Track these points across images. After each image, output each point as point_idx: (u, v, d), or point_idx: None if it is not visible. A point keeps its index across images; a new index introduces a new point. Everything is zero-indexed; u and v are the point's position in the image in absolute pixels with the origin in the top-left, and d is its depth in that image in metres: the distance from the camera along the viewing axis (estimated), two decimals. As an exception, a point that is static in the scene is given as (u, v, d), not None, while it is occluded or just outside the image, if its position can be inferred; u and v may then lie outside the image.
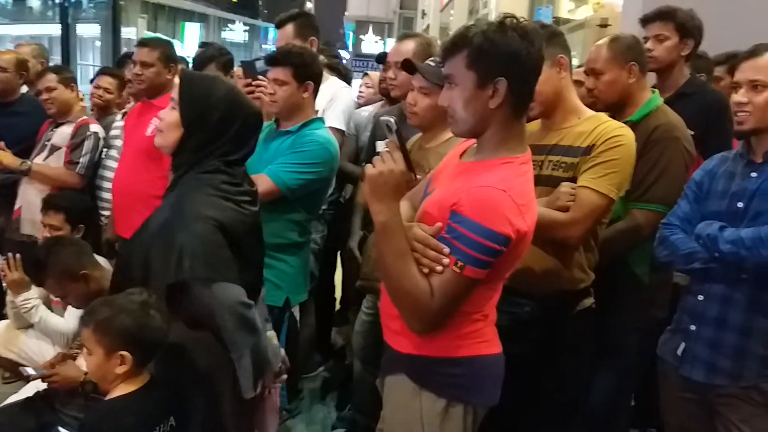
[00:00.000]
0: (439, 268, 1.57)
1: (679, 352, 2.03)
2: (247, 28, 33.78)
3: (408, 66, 2.42)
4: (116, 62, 4.53)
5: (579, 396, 2.32)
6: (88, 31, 16.25)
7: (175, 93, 1.91)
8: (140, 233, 1.91)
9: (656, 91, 2.60)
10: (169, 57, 3.24)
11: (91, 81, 4.16)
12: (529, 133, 1.83)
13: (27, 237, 3.52)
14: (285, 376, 2.17)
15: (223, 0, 30.87)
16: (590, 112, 2.18)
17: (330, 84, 3.38)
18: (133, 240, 1.96)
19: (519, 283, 1.93)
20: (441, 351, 1.70)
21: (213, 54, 3.72)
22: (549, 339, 2.09)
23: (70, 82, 3.63)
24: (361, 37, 23.32)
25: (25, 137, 3.66)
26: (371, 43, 22.70)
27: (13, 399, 2.58)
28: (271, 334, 2.10)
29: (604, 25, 5.83)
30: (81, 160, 3.49)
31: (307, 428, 3.35)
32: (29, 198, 3.52)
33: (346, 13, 25.00)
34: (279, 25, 3.46)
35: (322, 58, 3.27)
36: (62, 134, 3.56)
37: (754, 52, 1.94)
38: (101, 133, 3.59)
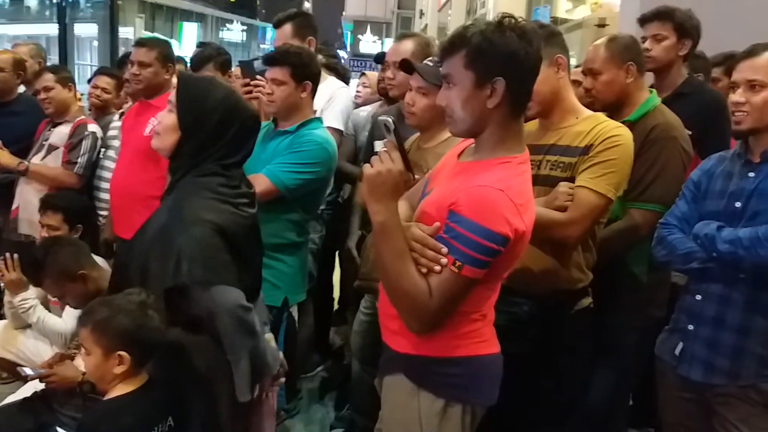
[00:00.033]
0: (437, 267, 1.57)
1: (677, 351, 2.03)
2: (245, 27, 33.79)
3: (406, 66, 2.42)
4: (117, 62, 4.52)
5: (577, 395, 2.32)
6: (86, 30, 16.23)
7: (172, 96, 1.91)
8: (138, 237, 1.90)
9: (654, 90, 2.61)
10: (166, 57, 3.24)
11: (89, 81, 4.16)
12: (527, 132, 1.83)
13: (25, 237, 3.53)
14: (283, 380, 2.17)
15: (220, 0, 30.87)
16: (588, 112, 2.18)
17: (328, 84, 3.38)
18: (130, 244, 1.96)
19: (517, 283, 1.93)
20: (439, 351, 1.70)
21: (211, 54, 3.71)
22: (547, 339, 2.10)
23: (67, 81, 3.63)
24: (359, 37, 23.36)
25: (22, 137, 3.66)
26: (369, 43, 22.74)
27: (11, 399, 2.57)
28: (269, 336, 2.10)
29: (601, 25, 5.84)
30: (79, 160, 3.49)
31: (306, 428, 3.35)
32: (27, 198, 3.52)
33: (344, 13, 25.00)
34: (277, 25, 3.46)
35: (320, 57, 3.27)
36: (60, 134, 3.56)
37: (752, 52, 1.94)
38: (99, 133, 3.59)
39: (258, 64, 2.85)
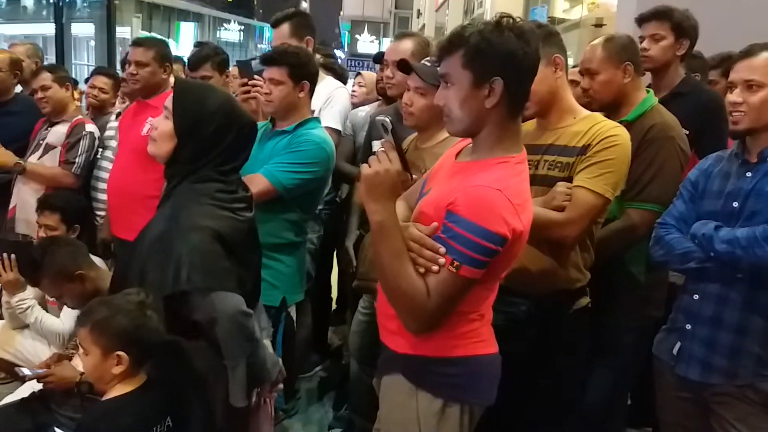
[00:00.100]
0: (435, 267, 1.58)
1: (675, 351, 2.04)
2: (242, 27, 33.76)
3: (404, 66, 2.42)
4: (121, 63, 4.52)
5: (575, 395, 2.33)
6: (83, 30, 16.19)
7: (168, 102, 1.89)
8: (136, 245, 1.89)
9: (651, 90, 2.61)
10: (164, 56, 3.23)
11: (86, 81, 4.15)
12: (524, 132, 1.83)
13: (22, 237, 3.52)
14: (281, 386, 2.16)
15: (218, 0, 30.86)
16: (586, 112, 2.19)
17: (326, 84, 3.38)
18: (129, 252, 1.95)
19: (515, 283, 1.93)
20: (437, 351, 1.70)
21: (208, 53, 3.71)
22: (545, 338, 2.10)
23: (64, 81, 3.63)
24: (357, 36, 23.36)
25: (19, 137, 3.65)
26: (367, 43, 22.75)
27: (9, 399, 2.58)
28: (266, 342, 2.10)
29: (599, 25, 5.85)
30: (77, 159, 3.49)
31: (304, 428, 3.34)
32: (24, 197, 3.51)
33: (341, 13, 25.01)
34: (275, 25, 3.46)
35: (318, 57, 3.27)
36: (57, 133, 3.55)
37: (749, 52, 1.94)
38: (97, 132, 3.59)
39: (256, 64, 2.84)
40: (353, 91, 4.27)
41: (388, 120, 1.64)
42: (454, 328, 1.68)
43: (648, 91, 2.57)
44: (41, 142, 3.58)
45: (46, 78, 3.56)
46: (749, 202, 1.90)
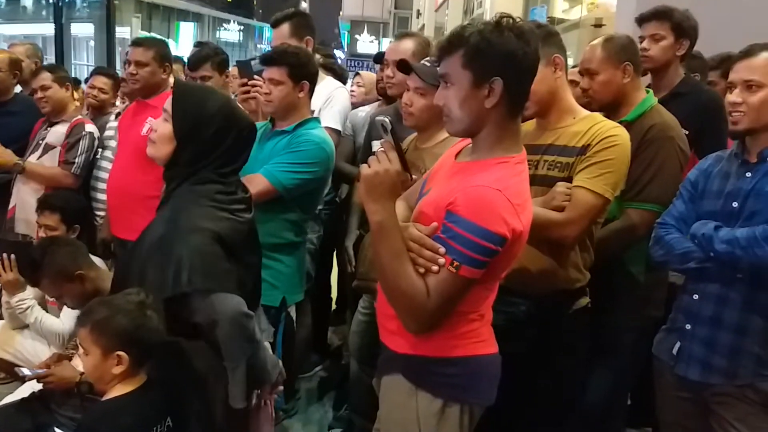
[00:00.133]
0: (435, 267, 1.58)
1: (675, 351, 2.04)
2: (242, 27, 33.76)
3: (403, 66, 2.42)
4: (123, 63, 4.52)
5: (575, 395, 2.33)
6: (82, 30, 16.19)
7: (168, 105, 1.89)
8: (136, 247, 1.89)
9: (650, 90, 2.61)
10: (164, 56, 3.23)
11: (86, 81, 4.15)
12: (524, 132, 1.83)
13: (22, 237, 3.52)
14: (281, 388, 2.16)
15: (217, 0, 30.86)
16: (585, 112, 2.19)
17: (326, 84, 3.38)
18: (129, 254, 1.95)
19: (515, 283, 1.93)
20: (437, 351, 1.70)
21: (208, 53, 3.71)
22: (545, 338, 2.10)
23: (64, 81, 3.63)
24: (356, 36, 23.39)
25: (18, 137, 3.65)
26: (366, 43, 22.78)
27: (8, 400, 2.57)
28: (266, 345, 2.10)
29: (598, 25, 5.86)
30: (77, 160, 3.49)
31: (304, 428, 3.35)
32: (24, 197, 3.51)
33: (341, 13, 25.01)
34: (274, 25, 3.46)
35: (317, 57, 3.27)
36: (56, 133, 3.55)
37: (749, 53, 1.94)
38: (96, 133, 3.59)
39: (255, 64, 2.84)
40: (352, 91, 4.28)
41: (387, 120, 1.63)
42: (454, 328, 1.68)
43: (648, 92, 2.57)
44: (41, 142, 3.58)
45: (45, 78, 3.56)
46: (749, 202, 1.90)
